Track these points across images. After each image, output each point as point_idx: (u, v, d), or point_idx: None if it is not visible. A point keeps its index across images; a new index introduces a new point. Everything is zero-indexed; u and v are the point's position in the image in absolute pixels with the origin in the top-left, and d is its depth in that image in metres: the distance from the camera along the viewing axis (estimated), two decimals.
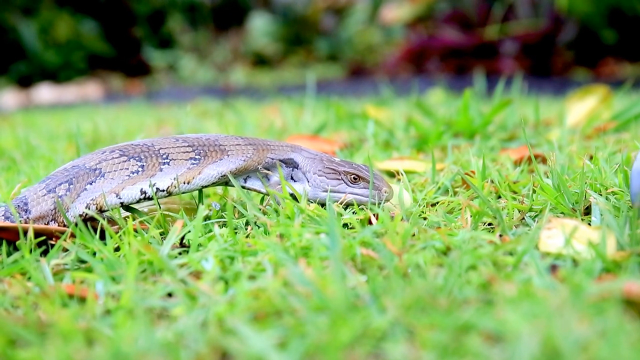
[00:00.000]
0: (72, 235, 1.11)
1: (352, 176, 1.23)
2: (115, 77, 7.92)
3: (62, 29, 7.64)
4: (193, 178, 1.22)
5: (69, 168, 1.20)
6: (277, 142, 1.30)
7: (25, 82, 7.18)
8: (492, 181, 1.33)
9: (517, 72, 3.45)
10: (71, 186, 1.17)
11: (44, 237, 1.14)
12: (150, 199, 1.22)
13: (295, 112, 2.76)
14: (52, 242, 1.14)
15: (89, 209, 1.18)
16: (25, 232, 1.09)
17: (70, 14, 7.81)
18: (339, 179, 1.23)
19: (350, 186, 1.23)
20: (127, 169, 1.20)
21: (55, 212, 1.16)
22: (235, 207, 1.22)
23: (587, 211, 1.16)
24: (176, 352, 0.73)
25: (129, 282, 0.91)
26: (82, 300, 0.92)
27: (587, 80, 5.08)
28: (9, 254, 1.10)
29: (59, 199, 1.16)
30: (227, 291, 0.91)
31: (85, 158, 1.22)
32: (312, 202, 1.24)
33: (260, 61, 8.03)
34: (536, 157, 1.57)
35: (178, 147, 1.23)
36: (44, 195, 1.16)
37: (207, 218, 1.24)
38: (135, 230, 1.12)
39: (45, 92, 6.63)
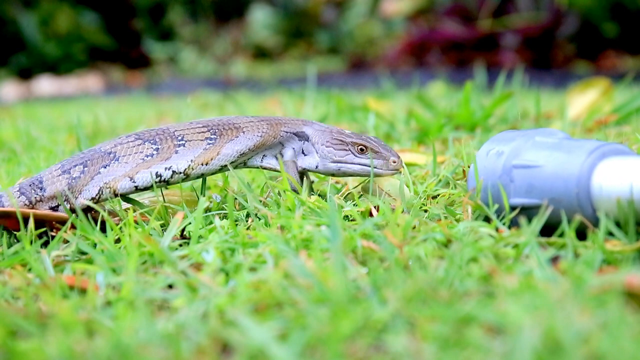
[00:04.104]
0: (73, 227, 1.11)
1: (360, 147, 1.24)
2: (116, 69, 7.91)
3: (62, 21, 7.63)
4: (211, 159, 1.24)
5: (85, 151, 1.23)
6: (289, 118, 1.32)
7: (25, 74, 7.17)
8: None
9: (518, 65, 3.45)
10: (85, 168, 1.20)
11: (44, 229, 1.14)
12: (166, 182, 1.23)
13: (296, 104, 2.76)
14: (53, 234, 1.14)
15: (102, 192, 1.20)
16: (26, 220, 1.09)
17: (71, 5, 7.80)
18: (346, 150, 1.25)
19: (358, 157, 1.24)
20: (142, 152, 1.22)
21: (68, 195, 1.19)
22: (236, 198, 1.22)
23: None
24: (177, 343, 0.73)
25: (129, 274, 0.91)
26: (83, 291, 0.92)
27: (588, 73, 5.07)
28: (9, 245, 1.10)
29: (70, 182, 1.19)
30: (227, 283, 0.91)
31: (102, 143, 1.25)
32: (323, 174, 1.28)
33: (261, 54, 8.01)
34: None
35: (193, 128, 1.25)
36: (59, 175, 1.20)
37: (207, 210, 1.24)
38: (136, 222, 1.11)
39: (45, 84, 6.62)
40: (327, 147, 1.26)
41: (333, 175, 1.29)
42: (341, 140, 1.25)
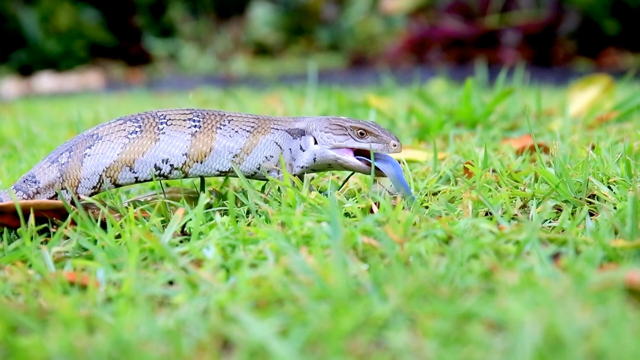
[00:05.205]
0: (73, 223, 1.11)
1: (359, 131, 1.21)
2: (116, 66, 7.91)
3: (63, 18, 7.63)
4: (205, 156, 1.22)
5: (69, 140, 1.24)
6: (280, 117, 1.30)
7: (26, 70, 7.17)
8: (493, 170, 1.33)
9: (519, 62, 3.45)
10: (71, 153, 1.21)
11: (45, 225, 1.14)
12: (165, 177, 1.22)
13: (296, 101, 2.75)
14: (53, 230, 1.14)
15: (102, 182, 1.21)
16: (26, 215, 1.09)
17: (71, 2, 7.80)
18: (345, 134, 1.22)
19: (358, 141, 1.21)
20: (125, 130, 1.22)
21: (62, 181, 1.20)
22: (236, 195, 1.22)
23: (589, 200, 1.16)
24: (177, 339, 0.73)
25: (130, 270, 0.91)
26: (83, 287, 0.91)
27: (589, 70, 5.06)
28: (10, 242, 1.10)
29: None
30: (228, 279, 0.91)
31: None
32: (319, 170, 1.26)
33: (262, 50, 8.01)
34: (538, 146, 1.56)
35: (176, 110, 1.24)
36: (49, 166, 1.21)
37: (208, 206, 1.24)
38: (136, 218, 1.11)
39: (46, 80, 6.62)
40: (326, 133, 1.22)
41: (330, 166, 1.25)
42: (339, 125, 1.22)
